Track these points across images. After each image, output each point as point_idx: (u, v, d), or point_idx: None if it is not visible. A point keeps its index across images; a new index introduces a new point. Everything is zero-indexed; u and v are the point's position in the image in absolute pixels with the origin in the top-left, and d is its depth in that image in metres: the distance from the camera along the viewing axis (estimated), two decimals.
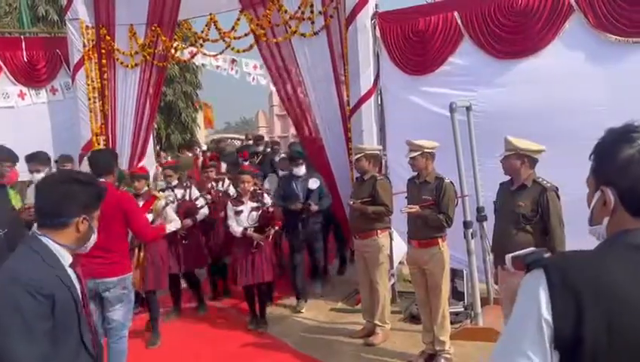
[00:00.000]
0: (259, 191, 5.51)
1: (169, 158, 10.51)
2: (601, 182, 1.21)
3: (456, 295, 5.35)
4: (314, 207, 5.93)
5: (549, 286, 1.07)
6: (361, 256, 4.96)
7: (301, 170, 6.10)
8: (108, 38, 7.29)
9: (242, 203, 5.33)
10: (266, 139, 13.39)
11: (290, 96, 6.43)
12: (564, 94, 4.80)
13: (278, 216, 5.49)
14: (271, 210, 5.37)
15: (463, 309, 5.19)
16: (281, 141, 15.44)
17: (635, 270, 1.08)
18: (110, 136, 7.52)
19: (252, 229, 5.25)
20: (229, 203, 5.49)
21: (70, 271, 1.96)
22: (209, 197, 6.15)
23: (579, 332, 1.03)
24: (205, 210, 5.91)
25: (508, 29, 5.09)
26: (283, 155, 8.00)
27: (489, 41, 5.17)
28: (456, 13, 5.31)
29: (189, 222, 5.66)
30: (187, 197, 5.83)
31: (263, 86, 13.25)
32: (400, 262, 5.79)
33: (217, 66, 11.73)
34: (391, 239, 5.33)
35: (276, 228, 5.40)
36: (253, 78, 12.28)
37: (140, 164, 7.15)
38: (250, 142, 10.35)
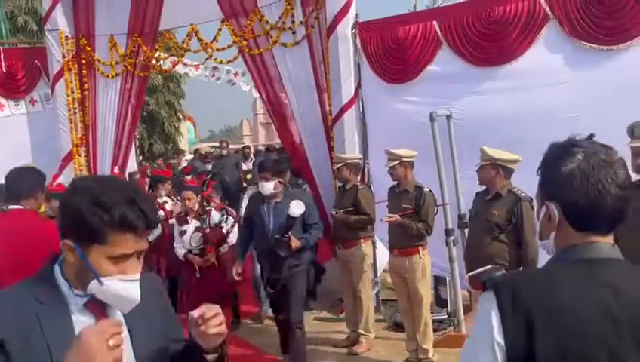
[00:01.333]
0: (207, 209, 5.03)
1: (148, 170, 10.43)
2: (545, 196, 1.21)
3: (440, 302, 5.38)
4: (295, 243, 4.18)
5: (499, 308, 1.08)
6: (345, 265, 4.97)
7: (267, 188, 4.30)
8: (88, 48, 7.23)
9: (187, 222, 4.91)
10: (252, 147, 13.40)
11: (274, 105, 6.43)
12: (541, 101, 4.87)
13: (224, 237, 4.97)
14: (220, 229, 4.83)
15: (446, 316, 5.21)
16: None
17: (583, 285, 1.09)
18: (91, 147, 7.45)
19: (197, 251, 4.84)
20: (174, 222, 5.11)
21: None
22: (162, 214, 5.69)
23: (531, 351, 1.03)
24: (157, 230, 5.36)
25: (485, 37, 5.16)
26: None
27: (467, 49, 5.23)
28: (434, 22, 5.37)
29: None
30: None
31: (247, 94, 13.25)
32: (384, 270, 5.81)
33: (199, 75, 11.71)
34: (374, 247, 5.36)
35: (220, 251, 4.90)
36: (234, 84, 12.28)
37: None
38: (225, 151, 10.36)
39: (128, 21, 6.96)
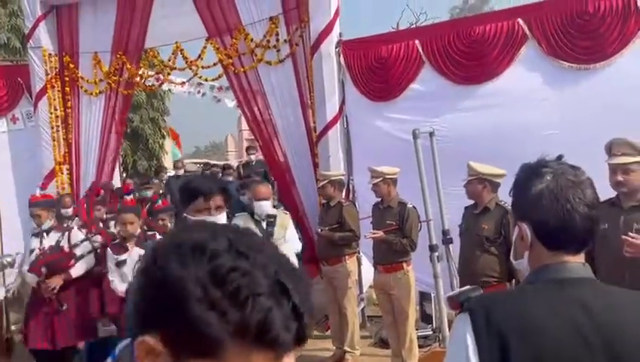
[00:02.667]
0: (151, 234, 4.43)
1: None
2: (518, 217, 1.25)
3: (425, 318, 5.39)
4: None
5: (474, 330, 1.10)
6: (330, 282, 4.97)
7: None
8: (72, 65, 7.21)
9: (126, 250, 4.20)
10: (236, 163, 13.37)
11: (258, 122, 6.45)
12: (521, 118, 4.96)
13: None
14: None
15: (431, 332, 5.22)
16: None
17: (555, 305, 1.11)
18: (74, 164, 7.40)
19: None
20: (108, 251, 4.31)
21: None
22: (99, 239, 4.79)
23: None
24: (88, 261, 4.58)
25: (466, 56, 5.26)
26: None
27: (449, 68, 5.33)
28: (417, 41, 5.47)
29: (52, 284, 4.32)
30: (64, 244, 4.52)
31: (232, 110, 13.26)
32: (370, 286, 5.81)
33: (184, 92, 11.70)
34: (359, 263, 5.37)
35: None
36: (219, 100, 12.30)
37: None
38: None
39: (112, 39, 6.97)
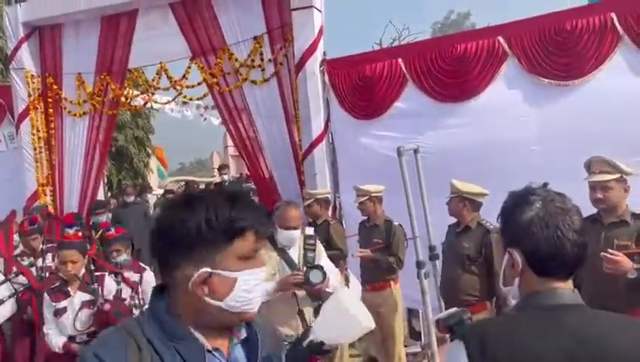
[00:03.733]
0: (99, 275, 3.66)
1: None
2: (507, 244, 1.26)
3: (414, 335, 5.36)
4: None
5: (468, 357, 1.11)
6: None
7: None
8: (55, 86, 7.18)
9: (67, 295, 3.44)
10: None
11: (244, 140, 6.45)
12: (503, 135, 5.04)
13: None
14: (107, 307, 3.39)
15: (420, 349, 5.21)
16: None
17: (548, 334, 1.13)
18: (57, 186, 7.33)
19: (86, 338, 3.38)
20: (45, 296, 3.54)
21: None
22: (22, 281, 4.01)
23: None
24: (8, 308, 3.86)
25: (449, 74, 5.35)
26: None
27: (432, 86, 5.41)
28: (400, 60, 5.54)
29: None
30: None
31: (217, 127, 13.27)
32: None
33: (171, 109, 11.69)
34: (347, 281, 5.35)
35: None
36: (205, 118, 12.32)
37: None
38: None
39: (96, 60, 6.96)
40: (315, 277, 3.12)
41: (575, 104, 4.85)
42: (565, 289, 1.21)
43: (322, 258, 3.49)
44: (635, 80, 4.73)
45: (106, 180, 11.84)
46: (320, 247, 3.53)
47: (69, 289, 3.49)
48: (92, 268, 3.65)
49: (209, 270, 1.14)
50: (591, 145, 4.48)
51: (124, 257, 4.17)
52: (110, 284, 3.74)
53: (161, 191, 12.49)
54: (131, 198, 8.05)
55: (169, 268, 1.17)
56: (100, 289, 3.53)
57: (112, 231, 4.69)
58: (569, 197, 1.27)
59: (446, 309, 3.95)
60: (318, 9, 5.91)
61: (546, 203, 1.21)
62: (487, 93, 5.21)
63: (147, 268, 4.24)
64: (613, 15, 4.77)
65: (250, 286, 1.17)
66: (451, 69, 5.33)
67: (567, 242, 1.18)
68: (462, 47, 5.28)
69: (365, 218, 4.56)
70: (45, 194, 7.14)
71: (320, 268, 3.14)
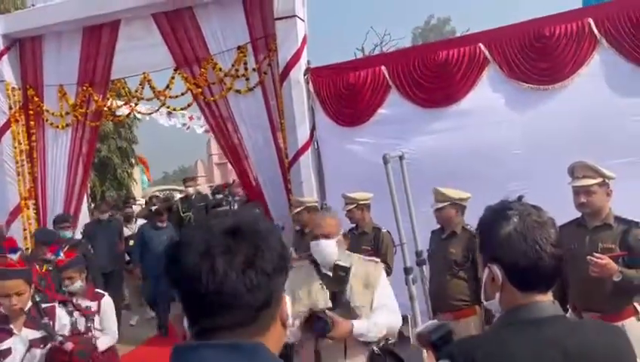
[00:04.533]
0: (47, 307, 3.11)
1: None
2: (487, 259, 1.28)
3: (403, 340, 5.40)
4: None
5: None
6: None
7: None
8: (36, 99, 7.12)
9: (10, 334, 2.90)
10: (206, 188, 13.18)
11: (230, 148, 6.45)
12: (486, 139, 5.11)
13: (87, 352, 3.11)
14: (68, 346, 2.93)
15: None
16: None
17: (534, 348, 1.15)
18: (40, 199, 7.25)
19: None
20: None
21: None
22: None
23: None
24: None
25: (431, 80, 5.41)
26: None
27: (415, 92, 5.47)
28: (383, 67, 5.60)
29: None
30: None
31: (200, 135, 13.24)
32: None
33: (154, 119, 11.62)
34: None
35: None
36: (188, 128, 12.29)
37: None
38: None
39: (78, 71, 6.91)
40: (318, 325, 2.39)
41: (555, 108, 4.94)
42: (546, 302, 1.23)
43: (380, 285, 2.66)
44: (613, 83, 4.83)
45: (89, 192, 11.71)
46: (370, 274, 2.67)
47: (13, 326, 2.90)
48: (36, 299, 3.09)
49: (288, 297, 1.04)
50: (572, 148, 4.59)
51: (78, 285, 3.73)
52: (63, 317, 3.21)
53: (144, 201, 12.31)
54: (105, 216, 7.59)
55: (262, 301, 0.94)
56: (51, 323, 3.03)
57: (62, 255, 4.21)
58: (544, 209, 1.30)
59: (434, 316, 3.99)
60: (301, 18, 5.95)
61: (523, 217, 1.23)
62: (470, 99, 5.28)
63: (105, 294, 3.88)
64: (591, 20, 4.87)
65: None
66: (434, 75, 5.40)
67: (545, 255, 1.20)
68: (444, 53, 5.35)
69: (353, 225, 4.58)
70: (28, 208, 7.05)
71: (324, 317, 2.38)
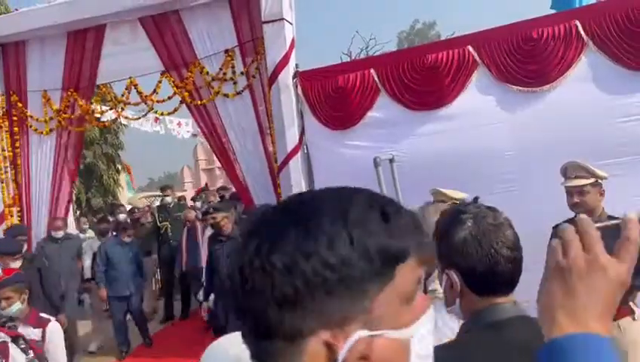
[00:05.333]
0: (0, 344, 2.69)
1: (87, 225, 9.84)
2: (445, 265, 1.24)
3: None
4: None
5: None
6: None
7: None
8: (20, 104, 6.99)
9: None
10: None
11: (222, 152, 6.38)
12: (476, 142, 5.11)
13: None
14: None
15: None
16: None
17: (495, 350, 1.11)
18: (25, 206, 7.12)
19: None
20: None
21: None
22: None
23: None
24: None
25: (421, 83, 5.40)
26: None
27: (404, 95, 5.46)
28: (372, 70, 5.58)
29: None
30: None
31: (187, 140, 13.14)
32: None
33: (140, 126, 11.51)
34: None
35: None
36: (178, 133, 12.22)
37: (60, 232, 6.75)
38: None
39: (62, 76, 6.81)
40: None
41: (544, 110, 4.96)
42: (506, 304, 1.20)
43: None
44: (600, 85, 4.87)
45: (74, 198, 11.55)
46: None
47: None
48: None
49: (367, 333, 0.63)
50: (562, 149, 4.61)
51: (17, 307, 3.21)
52: (18, 357, 2.73)
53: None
54: (60, 233, 6.78)
55: (276, 338, 0.63)
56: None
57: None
58: (500, 210, 1.27)
59: None
60: (289, 21, 5.92)
61: (478, 220, 1.21)
62: (459, 102, 5.28)
63: (51, 318, 3.39)
64: (578, 23, 4.91)
65: (427, 348, 0.70)
66: (423, 78, 5.39)
67: (501, 259, 1.18)
68: (433, 56, 5.34)
69: None
70: (12, 215, 6.92)
71: None
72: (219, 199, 9.43)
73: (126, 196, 17.26)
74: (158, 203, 10.07)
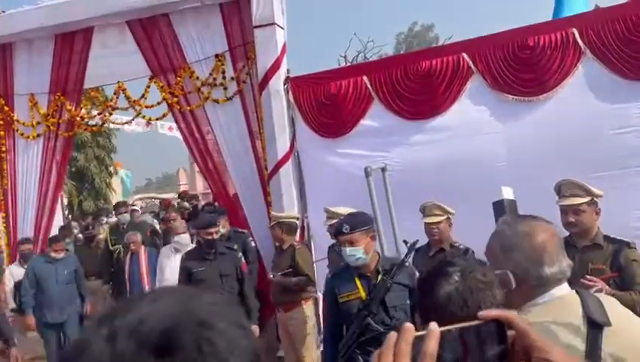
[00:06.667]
0: None
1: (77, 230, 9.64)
2: (424, 320, 1.12)
3: None
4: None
5: None
6: (286, 329, 4.76)
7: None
8: (6, 108, 6.85)
9: None
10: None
11: (207, 163, 6.25)
12: (470, 151, 4.99)
13: None
14: None
15: None
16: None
17: None
18: (11, 212, 6.97)
19: None
20: None
21: None
22: None
23: None
24: None
25: (414, 91, 5.28)
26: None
27: (398, 104, 5.34)
28: (365, 77, 5.46)
29: None
30: None
31: (182, 142, 13.00)
32: None
33: (133, 129, 11.39)
34: (317, 304, 5.20)
35: None
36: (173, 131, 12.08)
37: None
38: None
39: (50, 79, 6.67)
40: None
41: (540, 119, 4.84)
42: None
43: None
44: (598, 94, 4.75)
45: (66, 202, 11.39)
46: None
47: None
48: None
49: None
50: (558, 160, 4.50)
51: None
52: None
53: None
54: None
55: None
56: None
57: None
58: (490, 267, 1.15)
59: None
60: (280, 26, 5.79)
61: (466, 275, 1.09)
62: (453, 110, 5.16)
63: None
64: (575, 31, 4.79)
65: None
66: (417, 85, 5.27)
67: None
68: (427, 63, 5.22)
69: (335, 241, 4.41)
70: None
71: None
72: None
73: (120, 199, 17.08)
74: (114, 219, 8.45)
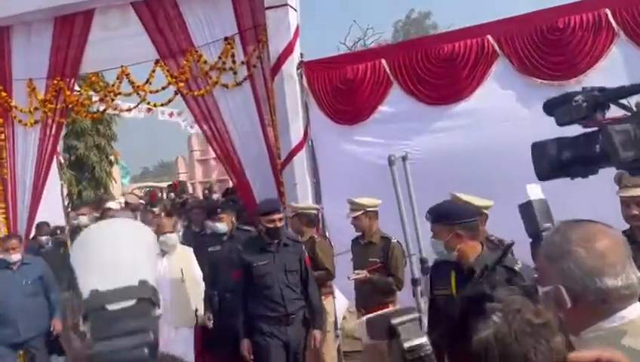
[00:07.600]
0: None
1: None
2: None
3: None
4: None
5: None
6: None
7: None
8: (4, 94, 6.57)
9: None
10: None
11: (219, 144, 5.96)
12: (495, 138, 4.76)
13: None
14: None
15: None
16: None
17: None
18: (10, 201, 6.71)
19: None
20: None
21: None
22: None
23: None
24: None
25: (436, 75, 5.05)
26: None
27: (419, 88, 5.09)
28: (383, 61, 5.20)
29: None
30: None
31: (181, 130, 12.77)
32: (344, 317, 5.51)
33: (133, 116, 11.10)
34: (334, 298, 5.01)
35: None
36: (178, 114, 11.82)
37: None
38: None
39: (48, 64, 6.38)
40: None
41: None
42: None
43: None
44: (632, 77, 4.50)
45: (65, 191, 11.11)
46: None
47: None
48: None
49: None
50: None
51: None
52: None
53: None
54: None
55: None
56: None
57: None
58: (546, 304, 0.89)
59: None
60: (293, 7, 5.52)
61: (508, 314, 0.83)
62: (477, 95, 4.93)
63: None
64: (608, 11, 4.55)
65: None
66: (438, 70, 5.03)
67: None
68: (449, 47, 4.98)
69: (359, 234, 4.18)
70: None
71: None
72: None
73: (119, 189, 16.84)
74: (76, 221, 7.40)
